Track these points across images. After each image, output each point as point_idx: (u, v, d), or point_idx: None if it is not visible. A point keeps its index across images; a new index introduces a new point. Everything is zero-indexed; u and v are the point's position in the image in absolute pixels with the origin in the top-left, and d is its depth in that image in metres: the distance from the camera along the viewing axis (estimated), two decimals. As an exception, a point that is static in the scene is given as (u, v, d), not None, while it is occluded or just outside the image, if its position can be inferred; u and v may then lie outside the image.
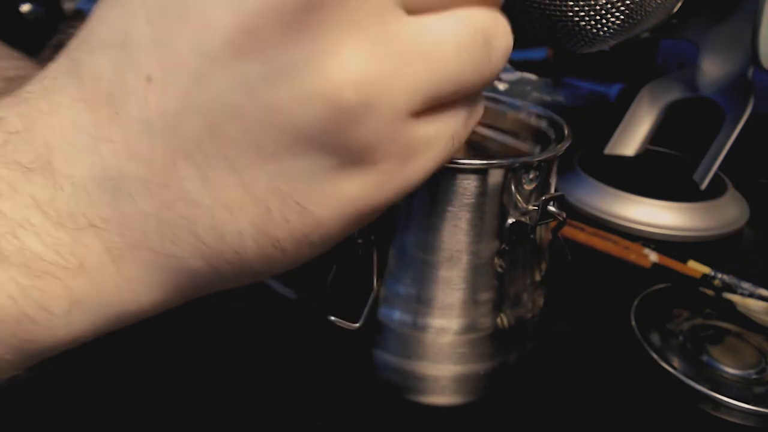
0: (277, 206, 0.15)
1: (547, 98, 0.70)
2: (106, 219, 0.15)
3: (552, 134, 0.29)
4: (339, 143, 0.15)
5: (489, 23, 0.16)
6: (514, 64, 0.77)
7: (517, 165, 0.25)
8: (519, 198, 0.25)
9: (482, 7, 0.16)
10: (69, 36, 0.16)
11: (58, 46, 0.16)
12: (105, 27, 0.15)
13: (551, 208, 0.25)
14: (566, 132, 0.28)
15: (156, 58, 0.14)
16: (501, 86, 0.71)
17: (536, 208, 0.25)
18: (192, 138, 0.14)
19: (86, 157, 0.15)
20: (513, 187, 0.25)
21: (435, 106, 0.16)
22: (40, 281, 0.15)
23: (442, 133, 0.17)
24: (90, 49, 0.15)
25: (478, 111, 0.19)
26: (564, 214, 0.25)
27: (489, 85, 0.18)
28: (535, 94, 0.71)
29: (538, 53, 0.82)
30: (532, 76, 0.74)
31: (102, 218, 0.15)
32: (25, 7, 0.51)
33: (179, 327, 0.33)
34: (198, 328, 0.33)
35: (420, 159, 0.17)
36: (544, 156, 0.25)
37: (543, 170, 0.26)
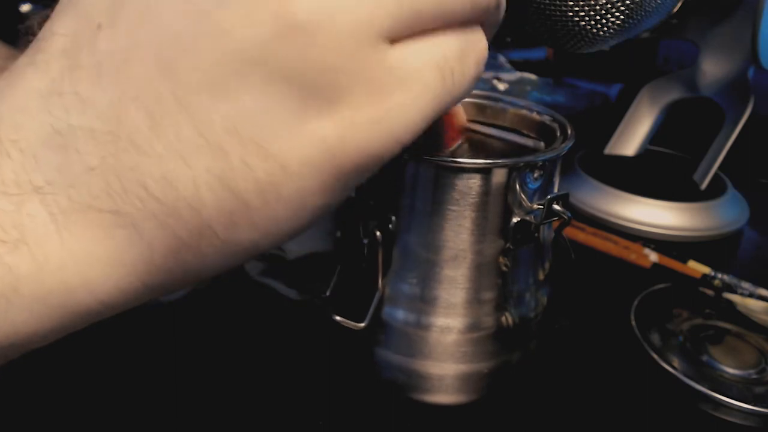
0: (235, 149, 0.14)
1: (547, 98, 0.70)
2: (51, 181, 0.14)
3: (555, 128, 0.29)
4: (295, 69, 0.13)
5: None
6: (514, 64, 0.77)
7: (522, 164, 0.25)
8: (523, 197, 0.25)
9: None
10: (39, 19, 0.16)
11: (26, 33, 0.16)
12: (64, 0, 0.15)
13: (556, 207, 0.25)
14: (570, 131, 0.28)
15: (101, 5, 0.14)
16: (501, 86, 0.71)
17: (541, 207, 0.25)
18: (141, 77, 0.14)
19: (36, 118, 0.14)
20: (517, 186, 0.25)
21: (416, 32, 0.15)
22: None
23: (427, 65, 0.15)
24: (50, 20, 0.15)
25: (477, 46, 0.17)
26: (568, 213, 0.25)
27: (482, 16, 0.16)
28: (535, 94, 0.71)
29: (538, 53, 0.82)
30: (532, 76, 0.74)
31: (47, 181, 0.14)
32: (25, 7, 0.51)
33: (181, 327, 0.33)
34: (200, 328, 0.33)
35: (401, 94, 0.14)
36: (548, 155, 0.25)
37: (547, 169, 0.26)
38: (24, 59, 0.15)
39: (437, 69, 0.15)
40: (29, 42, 0.16)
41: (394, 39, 0.14)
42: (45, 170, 0.14)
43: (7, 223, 0.14)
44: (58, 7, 0.15)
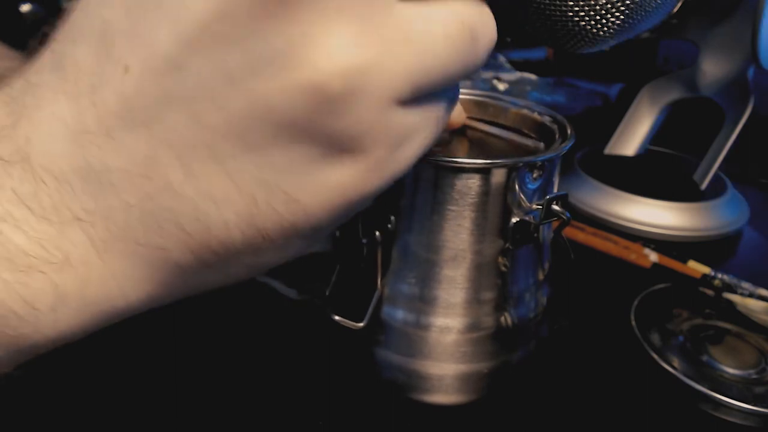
0: (263, 196, 0.15)
1: (547, 98, 0.70)
2: (91, 212, 0.15)
3: (555, 129, 0.29)
4: (326, 133, 0.14)
5: (476, 17, 0.16)
6: (514, 64, 0.77)
7: (521, 164, 0.25)
8: (522, 197, 0.25)
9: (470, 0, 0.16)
10: (53, 28, 0.16)
11: (43, 41, 0.16)
12: (85, 18, 0.15)
13: (555, 207, 0.25)
14: (569, 130, 0.28)
15: (132, 47, 0.14)
16: (501, 86, 0.71)
17: (540, 207, 0.25)
18: (173, 128, 0.14)
19: (68, 149, 0.15)
20: (517, 186, 0.25)
21: (422, 93, 0.16)
22: (24, 276, 0.15)
23: (429, 120, 0.17)
24: (71, 40, 0.15)
25: (457, 95, 0.19)
26: (568, 213, 0.25)
27: (472, 75, 0.18)
28: (535, 94, 0.71)
29: (538, 53, 0.82)
30: (532, 76, 0.74)
31: (86, 211, 0.15)
32: (25, 7, 0.51)
33: (181, 326, 0.33)
34: (201, 328, 0.33)
35: (408, 146, 0.17)
36: (547, 155, 0.25)
37: (546, 169, 0.26)
38: (50, 82, 0.15)
39: (436, 121, 0.17)
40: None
41: (407, 101, 0.16)
42: (82, 200, 0.15)
43: (52, 247, 0.15)
44: (78, 28, 0.15)
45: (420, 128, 0.17)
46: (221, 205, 0.15)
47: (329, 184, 0.15)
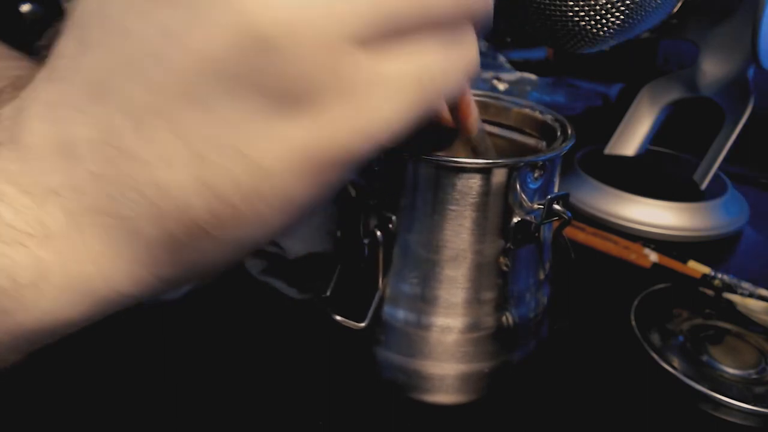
0: (216, 155, 0.14)
1: (547, 98, 0.70)
2: (64, 185, 0.15)
3: (557, 128, 0.29)
4: (270, 81, 0.14)
5: None
6: (514, 64, 0.77)
7: (522, 164, 0.25)
8: (523, 197, 0.25)
9: None
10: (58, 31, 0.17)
11: (47, 45, 0.17)
12: (73, 12, 0.16)
13: (556, 207, 0.25)
14: (570, 130, 0.28)
15: (94, 26, 0.15)
16: (501, 86, 0.71)
17: (541, 206, 0.25)
18: (123, 91, 0.14)
19: (48, 128, 0.15)
20: (518, 186, 0.25)
21: (391, 37, 0.15)
22: (9, 249, 0.15)
23: (406, 72, 0.15)
24: (61, 34, 0.16)
25: (464, 51, 0.16)
26: (568, 213, 0.25)
27: (469, 20, 0.16)
28: (535, 94, 0.71)
29: (538, 53, 0.82)
30: (532, 76, 0.74)
31: (61, 184, 0.15)
32: (25, 7, 0.51)
33: (182, 326, 0.33)
34: (200, 327, 0.33)
35: (379, 100, 0.15)
36: (548, 155, 0.25)
37: (547, 169, 0.26)
38: (42, 74, 0.16)
39: (416, 78, 0.15)
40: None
41: (369, 44, 0.14)
42: (58, 175, 0.15)
43: (33, 220, 0.15)
44: (65, 27, 0.16)
45: (395, 80, 0.15)
46: (176, 168, 0.15)
47: (289, 143, 0.15)
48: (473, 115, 0.26)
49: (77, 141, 0.15)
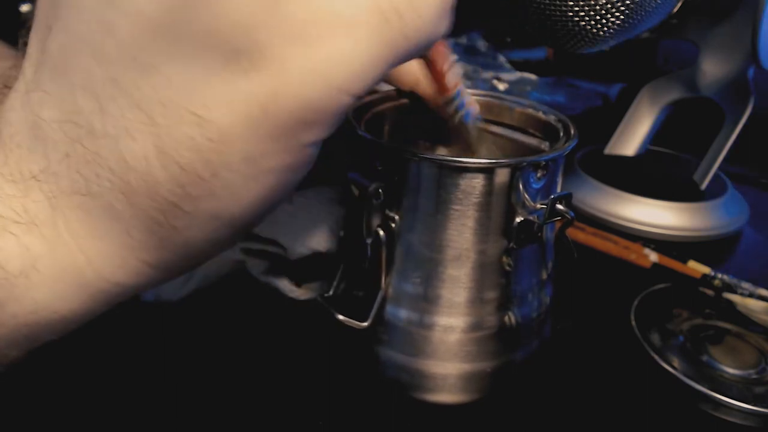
0: (172, 121, 0.14)
1: (547, 98, 0.70)
2: (43, 169, 0.15)
3: (560, 128, 0.29)
4: (207, 33, 0.13)
5: None
6: (514, 64, 0.77)
7: (525, 164, 0.25)
8: (526, 197, 0.25)
9: None
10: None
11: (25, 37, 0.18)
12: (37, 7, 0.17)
13: (559, 206, 0.25)
14: (573, 130, 0.28)
15: (48, 9, 0.16)
16: (501, 86, 0.71)
17: (544, 206, 0.25)
18: (82, 66, 0.15)
19: (22, 114, 0.16)
20: (521, 186, 0.25)
21: None
22: None
23: (363, 7, 0.13)
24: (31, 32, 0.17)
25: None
26: (571, 213, 0.26)
27: None
28: (535, 94, 0.71)
29: (538, 53, 0.82)
30: (532, 76, 0.74)
31: (40, 170, 0.15)
32: (25, 7, 0.51)
33: (183, 326, 0.33)
34: (202, 327, 0.33)
35: (333, 39, 0.13)
36: (551, 155, 0.26)
37: (550, 169, 0.26)
38: (23, 63, 0.17)
39: (376, 10, 0.14)
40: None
41: None
42: (37, 160, 0.15)
43: (19, 207, 0.15)
44: (35, 20, 0.17)
45: (349, 19, 0.13)
46: (137, 137, 0.14)
47: (240, 98, 0.14)
48: (452, 71, 0.24)
49: (46, 123, 0.15)
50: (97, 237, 0.16)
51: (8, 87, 0.17)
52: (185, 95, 0.14)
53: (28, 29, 0.17)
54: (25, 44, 0.17)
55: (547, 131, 0.30)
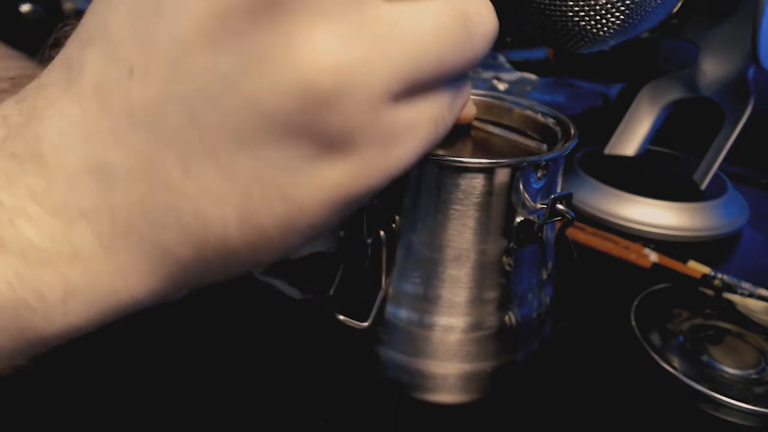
0: (259, 194, 0.15)
1: (547, 98, 0.70)
2: (97, 208, 0.15)
3: (558, 130, 0.29)
4: (317, 130, 0.15)
5: (470, 5, 0.16)
6: (514, 64, 0.77)
7: (525, 164, 0.25)
8: (527, 197, 0.25)
9: None
10: (66, 33, 0.17)
11: (55, 45, 0.17)
12: (92, 21, 0.16)
13: (559, 206, 0.25)
14: (572, 130, 0.28)
15: (136, 50, 0.15)
16: (501, 86, 0.71)
17: (544, 206, 0.26)
18: (172, 127, 0.15)
19: (77, 147, 0.15)
20: (521, 186, 0.25)
21: (416, 89, 0.16)
22: (37, 269, 0.15)
23: (425, 117, 0.17)
24: (79, 42, 0.16)
25: (464, 93, 0.19)
26: (571, 213, 0.26)
27: (472, 68, 0.18)
28: (535, 94, 0.71)
29: (538, 53, 0.82)
30: (532, 76, 0.74)
31: (93, 207, 0.15)
32: (25, 7, 0.51)
33: (183, 325, 0.33)
34: (202, 327, 0.33)
35: (403, 144, 0.16)
36: (551, 155, 0.26)
37: (551, 169, 0.26)
38: (58, 81, 0.16)
39: (433, 121, 0.17)
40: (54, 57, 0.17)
41: (399, 96, 0.16)
42: (90, 196, 0.15)
43: (62, 241, 0.15)
44: (86, 31, 0.16)
45: (415, 125, 0.17)
46: (219, 202, 0.15)
47: (324, 183, 0.16)
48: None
49: (113, 166, 0.15)
50: (147, 273, 0.16)
51: (17, 87, 0.17)
52: (279, 175, 0.15)
53: (66, 34, 0.16)
54: (51, 49, 0.17)
55: (545, 133, 0.30)
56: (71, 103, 0.15)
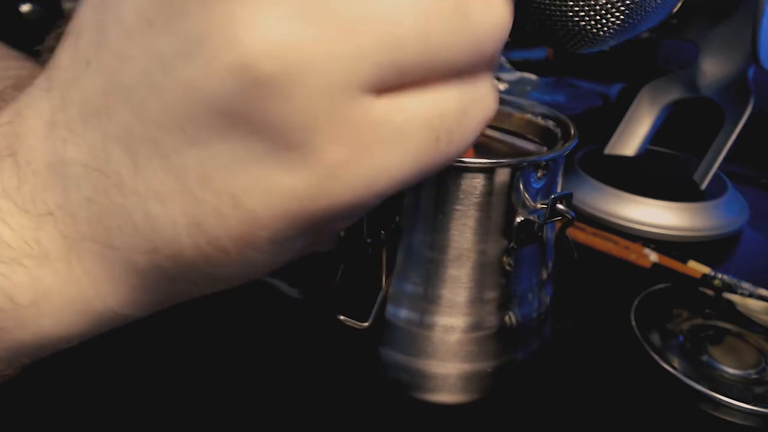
0: (209, 197, 0.14)
1: (547, 98, 0.70)
2: (60, 206, 0.15)
3: (558, 133, 0.29)
4: (264, 122, 0.13)
5: None
6: (514, 64, 0.77)
7: (525, 164, 0.25)
8: (527, 196, 0.26)
9: None
10: (57, 35, 0.17)
11: (49, 49, 0.17)
12: (73, 19, 0.16)
13: (560, 206, 0.26)
14: (572, 131, 0.28)
15: (92, 41, 0.14)
16: (501, 86, 0.71)
17: (544, 206, 0.26)
18: (121, 120, 0.14)
19: (43, 143, 0.15)
20: (521, 186, 0.25)
21: (400, 82, 0.13)
22: (6, 267, 0.15)
23: (417, 122, 0.14)
24: (61, 41, 0.16)
25: (483, 101, 0.15)
26: (572, 213, 0.26)
27: (485, 64, 0.15)
28: (535, 94, 0.71)
29: (538, 53, 0.82)
30: (532, 76, 0.74)
31: (57, 205, 0.15)
32: (25, 7, 0.51)
33: (183, 325, 0.33)
34: (203, 327, 0.33)
35: (386, 150, 0.13)
36: (551, 155, 0.26)
37: (551, 169, 0.26)
38: (40, 81, 0.16)
39: (430, 129, 0.14)
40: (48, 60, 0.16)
41: (382, 91, 0.13)
42: (55, 195, 0.15)
43: (31, 240, 0.15)
44: (68, 35, 0.16)
45: (405, 130, 0.14)
46: (168, 204, 0.14)
47: (281, 190, 0.14)
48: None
49: (71, 163, 0.15)
50: (112, 280, 0.16)
51: (17, 89, 0.17)
52: (228, 177, 0.14)
53: (59, 36, 0.16)
54: (47, 51, 0.17)
55: (545, 136, 0.30)
56: (44, 101, 0.15)
